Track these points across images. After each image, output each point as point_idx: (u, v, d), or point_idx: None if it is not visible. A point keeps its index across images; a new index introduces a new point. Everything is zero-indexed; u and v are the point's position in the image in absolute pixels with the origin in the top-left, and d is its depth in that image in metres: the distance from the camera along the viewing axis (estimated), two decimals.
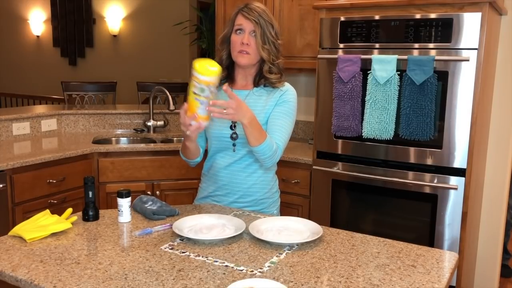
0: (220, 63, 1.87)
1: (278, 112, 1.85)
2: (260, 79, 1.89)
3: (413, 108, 2.38)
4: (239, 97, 1.86)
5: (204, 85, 1.54)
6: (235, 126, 1.86)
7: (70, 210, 1.71)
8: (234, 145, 1.88)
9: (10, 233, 1.54)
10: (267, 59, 1.83)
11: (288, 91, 1.89)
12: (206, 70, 1.54)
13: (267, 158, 1.76)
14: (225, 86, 1.60)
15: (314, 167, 2.77)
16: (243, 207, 1.90)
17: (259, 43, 1.80)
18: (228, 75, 1.92)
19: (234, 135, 1.86)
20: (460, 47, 2.31)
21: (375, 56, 2.44)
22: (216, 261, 1.37)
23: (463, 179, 2.37)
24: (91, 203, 1.69)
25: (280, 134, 1.82)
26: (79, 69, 7.45)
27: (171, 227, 1.59)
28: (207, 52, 5.51)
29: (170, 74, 6.36)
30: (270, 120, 1.85)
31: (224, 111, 1.58)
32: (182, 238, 1.53)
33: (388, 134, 2.46)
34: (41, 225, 1.57)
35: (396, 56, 2.39)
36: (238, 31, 1.83)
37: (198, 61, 1.55)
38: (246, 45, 1.81)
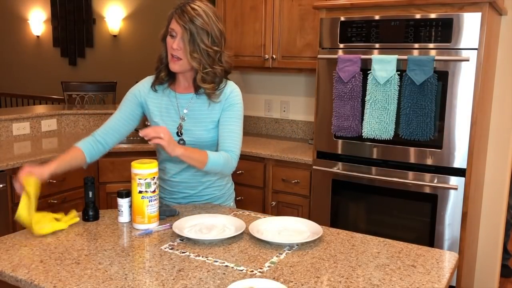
0: (160, 61, 1.83)
1: (227, 117, 1.80)
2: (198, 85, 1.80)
3: (413, 108, 2.38)
4: (183, 100, 1.83)
5: (149, 179, 1.58)
6: (181, 133, 1.82)
7: (74, 212, 1.70)
8: None
9: (18, 218, 1.53)
10: (197, 68, 1.73)
11: (232, 93, 1.82)
12: (146, 165, 1.59)
13: (221, 171, 1.75)
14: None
15: (314, 167, 2.77)
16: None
17: (187, 50, 1.70)
18: (171, 76, 1.85)
19: (182, 142, 1.82)
20: (460, 47, 2.31)
21: (375, 56, 2.44)
22: (216, 261, 1.37)
23: (463, 179, 2.37)
24: (91, 203, 1.69)
25: (232, 140, 1.78)
26: (79, 69, 7.45)
27: (171, 227, 1.59)
28: None
29: None
30: (221, 126, 1.80)
31: (161, 135, 1.56)
32: (182, 238, 1.53)
33: (388, 134, 2.46)
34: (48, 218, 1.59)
35: (396, 56, 2.39)
36: (171, 34, 1.74)
37: (134, 163, 1.60)
38: (176, 50, 1.72)
